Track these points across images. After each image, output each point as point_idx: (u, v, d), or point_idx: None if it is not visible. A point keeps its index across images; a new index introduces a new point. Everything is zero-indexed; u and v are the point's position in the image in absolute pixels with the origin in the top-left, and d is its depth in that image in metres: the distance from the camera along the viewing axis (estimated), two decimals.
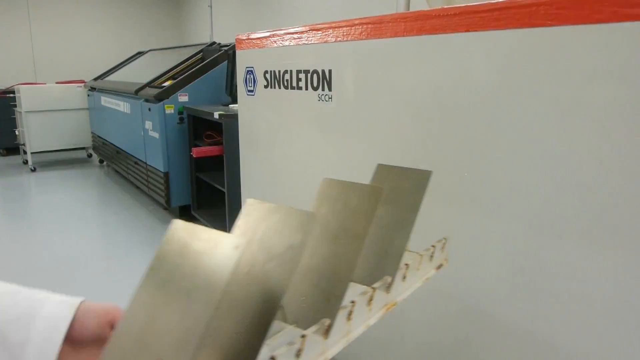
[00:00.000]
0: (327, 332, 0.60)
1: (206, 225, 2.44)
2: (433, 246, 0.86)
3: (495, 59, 1.19)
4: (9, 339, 0.55)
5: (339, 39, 1.62)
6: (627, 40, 0.95)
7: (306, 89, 1.80)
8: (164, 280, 0.50)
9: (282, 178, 2.10)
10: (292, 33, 1.85)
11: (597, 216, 1.03)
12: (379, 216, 0.75)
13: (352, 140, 1.66)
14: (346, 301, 0.64)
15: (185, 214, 4.31)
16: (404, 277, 0.77)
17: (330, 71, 1.68)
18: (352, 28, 1.55)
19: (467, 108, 1.26)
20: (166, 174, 4.10)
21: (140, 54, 6.77)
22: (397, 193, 0.81)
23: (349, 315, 0.64)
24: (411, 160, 1.43)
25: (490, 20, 1.16)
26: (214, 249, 0.50)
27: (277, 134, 2.08)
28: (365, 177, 1.59)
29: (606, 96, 0.99)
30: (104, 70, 6.74)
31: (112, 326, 0.64)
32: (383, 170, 0.86)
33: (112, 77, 6.36)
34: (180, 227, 0.52)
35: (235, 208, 2.60)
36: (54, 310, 0.59)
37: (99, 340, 0.63)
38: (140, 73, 5.52)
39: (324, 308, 0.63)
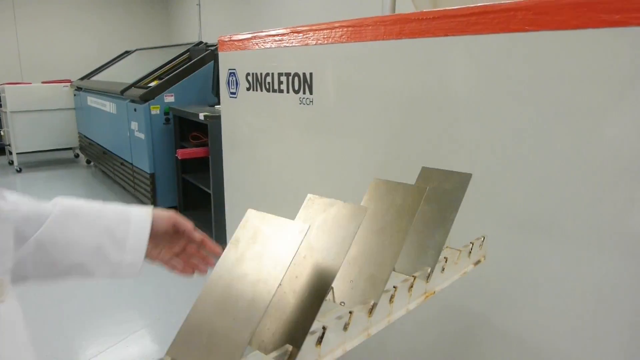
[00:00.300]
0: (371, 311, 0.69)
1: None
2: (471, 243, 0.93)
3: (475, 63, 1.17)
4: (116, 236, 0.81)
5: (319, 41, 1.59)
6: (605, 46, 0.93)
7: (287, 92, 1.77)
8: (239, 258, 0.61)
9: (265, 180, 2.07)
10: (274, 35, 1.82)
11: (583, 217, 1.02)
12: (422, 213, 0.84)
13: (332, 144, 1.64)
14: (389, 287, 0.73)
15: None
16: (443, 270, 0.85)
17: (311, 74, 1.65)
18: (333, 31, 1.53)
19: (447, 112, 1.24)
20: (152, 175, 4.07)
21: (127, 53, 6.70)
22: (439, 193, 0.88)
23: (391, 299, 0.73)
24: (389, 163, 1.42)
25: (469, 24, 1.15)
26: (281, 233, 0.60)
27: (259, 137, 2.05)
28: (344, 179, 1.57)
29: (584, 100, 0.97)
30: (91, 70, 6.67)
31: (173, 225, 0.89)
32: (426, 172, 0.93)
33: (98, 77, 6.29)
34: (253, 215, 0.64)
35: (221, 210, 2.57)
36: (139, 216, 0.85)
37: (166, 235, 0.90)
38: (126, 73, 5.46)
39: (368, 292, 0.71)
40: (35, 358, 0.69)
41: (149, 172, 4.06)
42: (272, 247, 0.60)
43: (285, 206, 1.92)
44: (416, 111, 1.32)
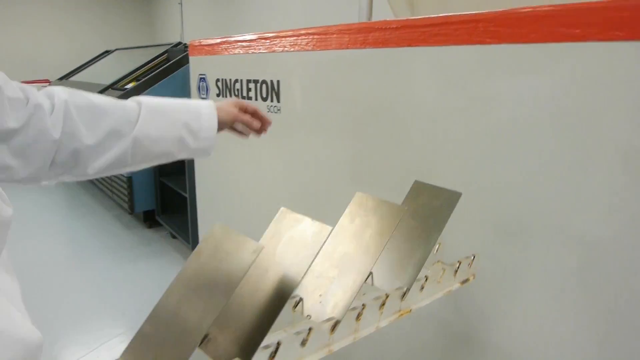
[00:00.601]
0: (333, 328, 0.69)
1: (169, 230, 2.44)
2: (459, 261, 0.91)
3: (437, 75, 1.14)
4: (192, 128, 0.97)
5: (286, 49, 1.56)
6: (563, 60, 0.91)
7: (256, 99, 1.74)
8: (197, 270, 0.64)
9: (236, 187, 2.03)
10: (242, 41, 1.78)
11: (569, 224, 0.99)
12: (409, 229, 0.86)
13: (300, 152, 1.60)
14: (359, 304, 0.73)
15: (150, 218, 4.21)
16: (422, 288, 0.84)
17: (278, 82, 1.62)
18: (299, 38, 1.50)
19: (409, 123, 1.21)
20: (129, 179, 3.99)
21: (107, 52, 6.60)
22: (427, 209, 0.88)
23: (358, 316, 0.73)
24: (355, 172, 1.39)
25: (431, 35, 1.12)
26: (238, 251, 0.62)
27: (229, 144, 2.01)
28: (310, 186, 1.54)
29: (543, 113, 0.95)
30: (70, 70, 6.55)
31: (235, 119, 1.07)
32: (418, 187, 0.92)
33: (77, 77, 6.18)
34: (217, 230, 0.66)
35: (197, 213, 2.52)
36: (207, 112, 1.01)
37: (233, 120, 1.07)
38: (105, 73, 5.37)
39: (336, 307, 0.71)
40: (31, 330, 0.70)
41: (126, 175, 3.99)
42: (228, 263, 0.62)
43: (255, 210, 1.88)
44: (382, 121, 1.29)
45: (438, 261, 0.95)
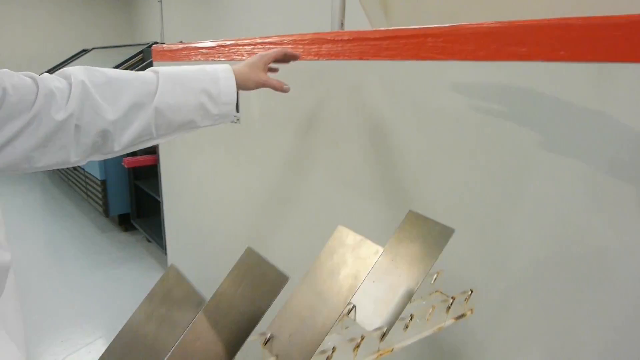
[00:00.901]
0: None
1: (144, 235, 2.40)
2: (453, 297, 0.87)
3: (388, 89, 1.11)
4: (211, 93, 0.98)
5: (243, 57, 1.51)
6: (510, 79, 0.88)
7: None
8: (148, 315, 0.65)
9: (198, 193, 1.99)
10: (202, 48, 1.74)
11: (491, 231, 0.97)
12: (395, 262, 0.83)
13: (257, 161, 1.56)
14: (335, 344, 0.71)
15: (126, 221, 4.15)
16: (406, 327, 0.79)
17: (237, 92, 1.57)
18: (255, 47, 1.45)
19: (364, 135, 1.18)
20: (103, 182, 3.93)
21: (84, 51, 6.50)
22: (418, 244, 0.85)
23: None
24: (311, 181, 1.35)
25: (381, 49, 1.08)
26: (185, 300, 0.63)
27: (192, 151, 1.97)
28: (266, 196, 1.50)
29: (490, 131, 0.92)
30: (46, 69, 6.43)
31: (263, 85, 1.10)
32: (412, 218, 0.88)
33: None
34: (171, 274, 0.66)
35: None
36: (224, 74, 1.01)
37: (258, 87, 1.10)
38: None
39: (304, 349, 0.69)
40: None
41: (100, 178, 3.93)
42: (174, 312, 0.63)
43: (217, 217, 1.84)
44: (338, 132, 1.25)
45: (436, 291, 0.92)
